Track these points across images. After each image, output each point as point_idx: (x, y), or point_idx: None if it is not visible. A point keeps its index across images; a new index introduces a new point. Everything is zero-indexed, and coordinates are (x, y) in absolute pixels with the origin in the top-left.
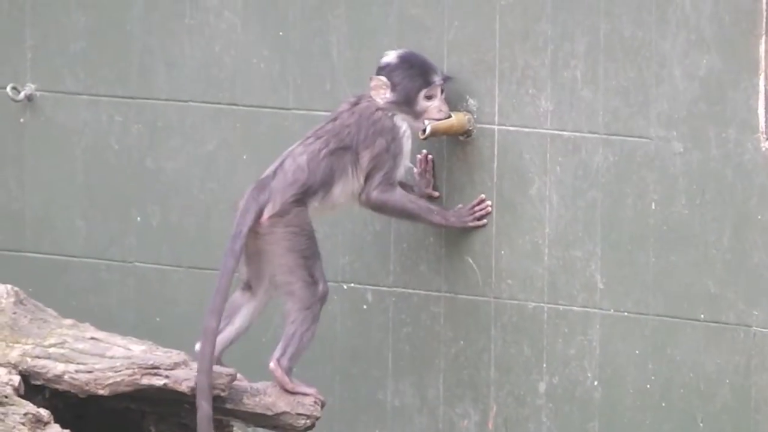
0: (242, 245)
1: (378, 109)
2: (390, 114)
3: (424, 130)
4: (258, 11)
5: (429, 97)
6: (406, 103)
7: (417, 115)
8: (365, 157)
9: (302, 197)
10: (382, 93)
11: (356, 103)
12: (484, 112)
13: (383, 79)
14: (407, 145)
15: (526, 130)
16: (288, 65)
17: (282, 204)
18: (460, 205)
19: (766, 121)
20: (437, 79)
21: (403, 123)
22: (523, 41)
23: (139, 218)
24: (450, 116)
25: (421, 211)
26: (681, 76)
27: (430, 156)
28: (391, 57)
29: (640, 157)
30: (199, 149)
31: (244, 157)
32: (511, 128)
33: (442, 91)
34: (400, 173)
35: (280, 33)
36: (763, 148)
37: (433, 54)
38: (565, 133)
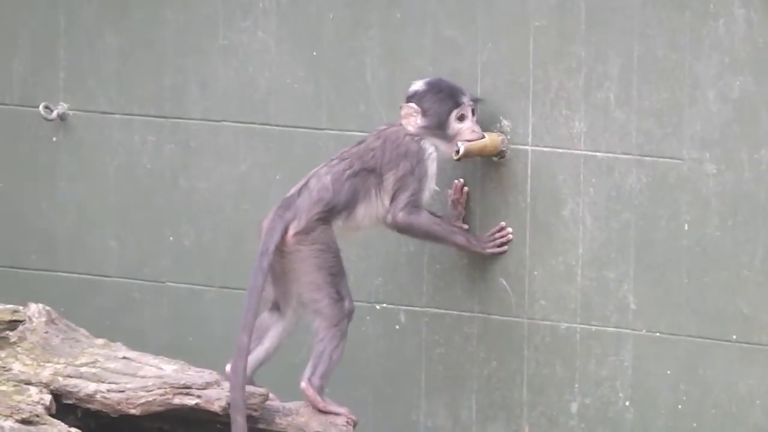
0: (270, 262)
1: (408, 134)
2: (418, 138)
3: (458, 151)
4: (292, 31)
5: (460, 119)
6: (439, 126)
7: (450, 138)
8: (389, 180)
9: (327, 216)
10: (413, 120)
11: (385, 129)
12: (517, 133)
13: (413, 105)
14: (432, 167)
15: (560, 151)
16: (322, 86)
17: (307, 221)
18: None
19: None
20: (466, 100)
21: (430, 146)
22: (557, 62)
23: (171, 238)
24: (483, 137)
25: (445, 233)
26: (714, 97)
27: (466, 188)
28: (418, 85)
29: (673, 179)
30: (232, 169)
31: (278, 177)
32: (545, 149)
33: (473, 112)
34: (426, 196)
35: (314, 53)
36: None
37: (466, 75)
38: (598, 154)
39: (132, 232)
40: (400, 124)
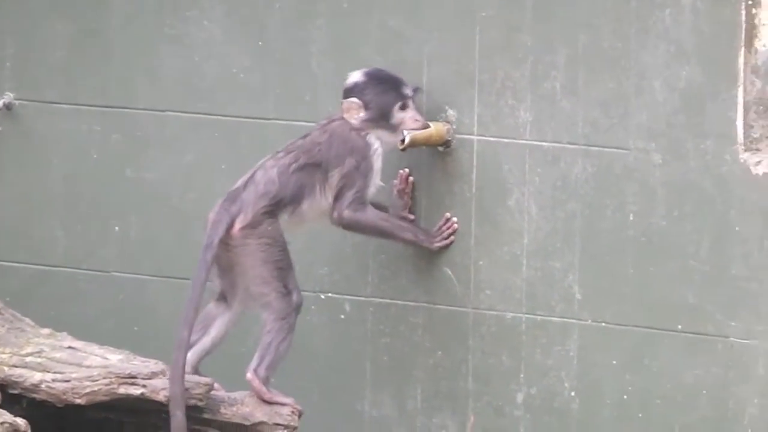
0: (213, 255)
1: (352, 129)
2: (363, 133)
3: (403, 140)
4: (238, 21)
5: (402, 108)
6: (382, 118)
7: (394, 129)
8: (335, 176)
9: (274, 209)
10: (355, 114)
11: (330, 122)
12: (463, 123)
13: (355, 100)
14: (378, 163)
15: (506, 140)
16: (268, 76)
17: (254, 215)
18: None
19: (744, 133)
20: (408, 91)
21: (376, 141)
22: (503, 52)
23: (117, 228)
24: (428, 125)
25: (393, 229)
26: (661, 87)
27: (411, 178)
28: (356, 77)
29: (619, 169)
30: (178, 159)
31: (224, 167)
32: (491, 139)
33: (413, 101)
34: (371, 191)
35: (260, 43)
36: (742, 160)
37: (413, 65)
38: (544, 144)
39: (78, 222)
40: (343, 118)
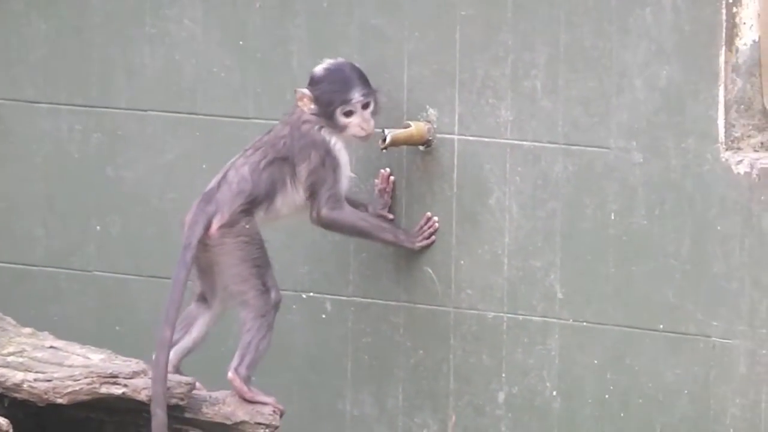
0: (193, 256)
1: (305, 121)
2: (317, 127)
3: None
4: (218, 20)
5: (347, 114)
6: (327, 117)
7: (340, 130)
8: (303, 171)
9: (249, 207)
10: (305, 105)
11: (291, 114)
12: (443, 122)
13: (305, 91)
14: (343, 157)
15: (486, 140)
16: (248, 74)
17: (231, 214)
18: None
19: (725, 132)
20: (356, 97)
21: (331, 137)
22: (483, 51)
23: (98, 227)
24: (374, 132)
25: (372, 229)
26: (641, 86)
27: (392, 177)
28: (320, 68)
29: (599, 168)
30: (159, 158)
31: (204, 166)
32: (471, 138)
33: (366, 106)
34: (344, 186)
35: (241, 42)
36: (723, 159)
37: (393, 64)
38: (525, 143)
39: (59, 221)
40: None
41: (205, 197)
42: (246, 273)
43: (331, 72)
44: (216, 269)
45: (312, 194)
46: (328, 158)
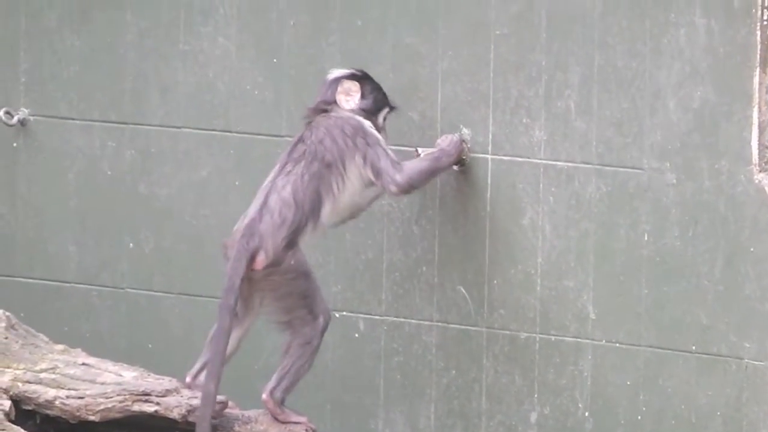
0: (236, 298)
1: (338, 116)
2: (351, 114)
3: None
4: (252, 38)
5: (385, 118)
6: (372, 113)
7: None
8: (358, 161)
9: (293, 236)
10: (351, 97)
11: (315, 117)
12: (477, 142)
13: (357, 84)
14: (378, 134)
15: (520, 159)
16: (282, 92)
17: (275, 252)
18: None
19: (759, 153)
20: (393, 108)
21: (364, 121)
22: (517, 71)
23: (131, 244)
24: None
25: (435, 164)
26: (675, 107)
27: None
28: (347, 71)
29: (633, 188)
30: (192, 175)
31: (237, 183)
32: (505, 158)
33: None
34: (391, 153)
35: (274, 60)
36: (756, 180)
37: (426, 83)
38: (558, 163)
39: (91, 237)
40: (324, 110)
41: (248, 231)
42: (292, 305)
43: (368, 76)
44: (260, 299)
45: (376, 173)
46: (368, 138)
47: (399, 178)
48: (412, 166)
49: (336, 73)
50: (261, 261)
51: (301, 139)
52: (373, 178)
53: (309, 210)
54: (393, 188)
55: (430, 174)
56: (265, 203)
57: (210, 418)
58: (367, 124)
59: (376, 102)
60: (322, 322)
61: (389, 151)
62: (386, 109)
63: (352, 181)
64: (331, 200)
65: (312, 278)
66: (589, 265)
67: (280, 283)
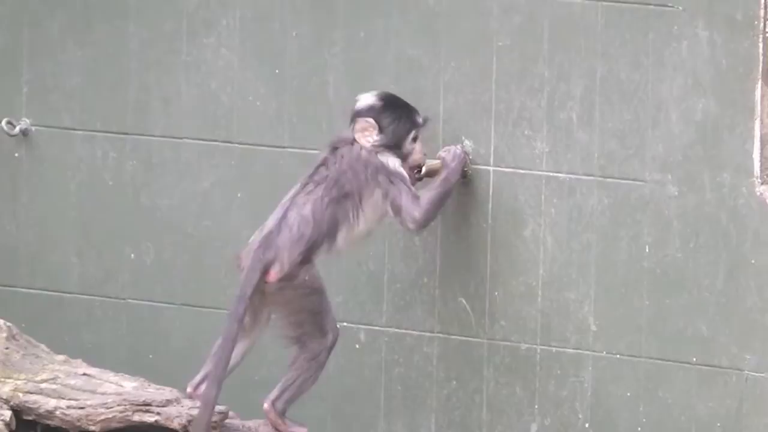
0: (246, 308)
1: (364, 151)
2: (374, 152)
3: (420, 170)
4: (255, 49)
5: (414, 139)
6: (395, 145)
7: (403, 158)
8: (377, 197)
9: (309, 253)
10: (368, 135)
11: (340, 148)
12: (479, 153)
13: (371, 121)
14: (403, 170)
15: (522, 171)
16: (284, 103)
17: (290, 265)
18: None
19: (761, 166)
20: (421, 120)
21: (389, 159)
22: (520, 82)
23: (132, 255)
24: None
25: (444, 188)
26: (677, 119)
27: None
28: (371, 99)
29: (634, 200)
30: (194, 186)
31: (239, 195)
32: (507, 169)
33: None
34: (413, 189)
35: (277, 71)
36: (758, 193)
37: (429, 94)
38: (560, 175)
39: (93, 248)
40: (353, 139)
41: (265, 242)
42: (303, 320)
43: (390, 101)
44: (268, 309)
45: (396, 210)
46: (393, 176)
47: (417, 214)
48: (428, 199)
49: (359, 102)
50: (275, 273)
51: (324, 164)
52: (392, 214)
53: (326, 231)
54: (411, 225)
55: (443, 201)
56: (284, 217)
57: (208, 425)
58: (391, 162)
59: (396, 133)
60: (331, 339)
61: (411, 188)
62: (411, 134)
63: (367, 214)
64: (347, 227)
65: (324, 296)
66: (591, 277)
67: (292, 298)
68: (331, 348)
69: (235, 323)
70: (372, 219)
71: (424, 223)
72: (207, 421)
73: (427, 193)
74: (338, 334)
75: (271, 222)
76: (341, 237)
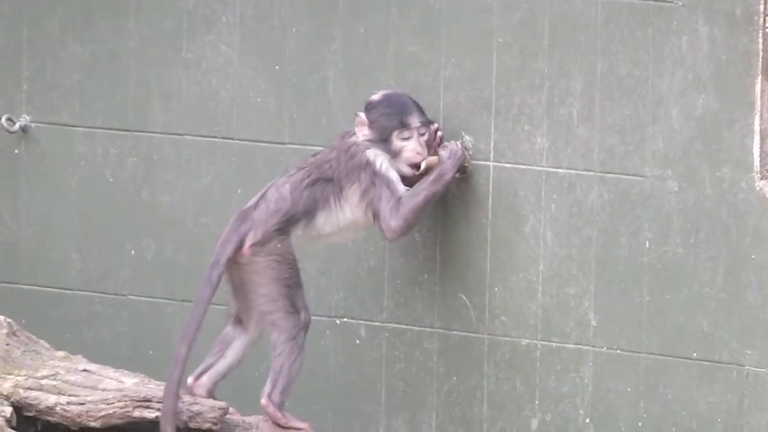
0: (219, 274)
1: (353, 144)
2: (363, 148)
3: (419, 166)
4: (255, 45)
5: (404, 139)
6: (382, 141)
7: (393, 155)
8: (355, 193)
9: (285, 226)
10: (360, 130)
11: (340, 140)
12: (479, 149)
13: (362, 116)
14: (393, 174)
15: (522, 167)
16: (284, 100)
17: (264, 233)
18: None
19: (761, 161)
20: (413, 122)
21: (377, 157)
22: (520, 78)
23: (133, 251)
24: (426, 158)
25: (432, 189)
26: (677, 115)
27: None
28: (377, 95)
29: (635, 196)
30: (194, 183)
31: (239, 191)
32: (507, 165)
33: (422, 134)
34: (399, 189)
35: (277, 67)
36: (758, 188)
37: (429, 90)
38: (560, 170)
39: (94, 244)
40: (354, 134)
41: (241, 216)
42: (275, 293)
43: (390, 97)
44: (248, 288)
45: (374, 213)
46: (377, 178)
47: (394, 224)
48: (410, 207)
49: (371, 97)
50: (249, 240)
51: (315, 154)
52: (371, 217)
53: (303, 209)
54: (388, 234)
55: (427, 205)
56: (263, 196)
57: (179, 380)
58: (380, 161)
59: (381, 130)
60: (304, 317)
61: (396, 192)
62: (396, 132)
63: (351, 203)
64: (327, 210)
65: (296, 271)
66: (591, 273)
67: (265, 266)
68: (305, 328)
69: (208, 288)
70: (357, 209)
71: (401, 233)
72: (174, 395)
73: (412, 199)
74: (310, 318)
75: (251, 201)
76: (321, 218)
